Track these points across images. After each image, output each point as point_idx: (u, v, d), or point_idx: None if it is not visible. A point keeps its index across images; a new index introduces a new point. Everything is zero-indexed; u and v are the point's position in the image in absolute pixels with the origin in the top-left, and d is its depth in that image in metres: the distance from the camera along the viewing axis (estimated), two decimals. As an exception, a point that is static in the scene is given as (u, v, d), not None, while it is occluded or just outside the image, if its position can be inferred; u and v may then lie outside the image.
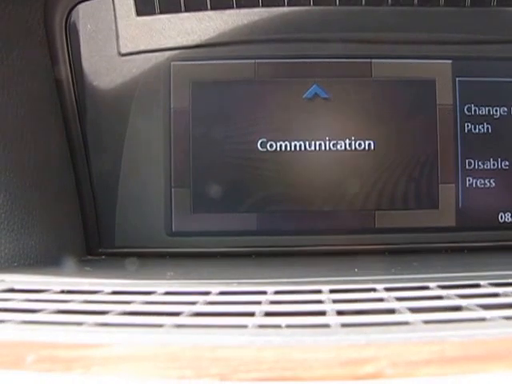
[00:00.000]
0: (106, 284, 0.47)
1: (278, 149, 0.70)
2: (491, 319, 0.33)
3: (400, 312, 0.36)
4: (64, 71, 0.69)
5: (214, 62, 0.71)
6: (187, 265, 0.67)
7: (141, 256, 0.70)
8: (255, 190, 0.70)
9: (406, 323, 0.33)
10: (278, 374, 0.25)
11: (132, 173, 0.70)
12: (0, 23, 0.60)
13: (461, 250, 0.70)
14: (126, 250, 0.71)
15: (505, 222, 0.71)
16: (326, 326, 0.33)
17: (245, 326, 0.33)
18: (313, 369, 0.26)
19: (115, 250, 0.71)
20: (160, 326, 0.33)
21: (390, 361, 0.26)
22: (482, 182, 0.70)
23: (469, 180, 0.70)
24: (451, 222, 0.71)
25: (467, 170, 0.70)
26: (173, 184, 0.70)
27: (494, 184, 0.71)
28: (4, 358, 0.27)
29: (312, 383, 0.25)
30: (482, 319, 0.33)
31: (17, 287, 0.46)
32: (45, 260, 0.62)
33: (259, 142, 0.70)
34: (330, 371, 0.26)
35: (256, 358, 0.27)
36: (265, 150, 0.70)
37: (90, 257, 0.71)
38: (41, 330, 0.31)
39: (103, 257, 0.71)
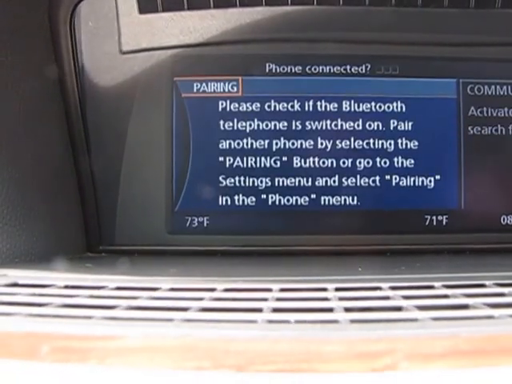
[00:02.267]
0: (109, 280, 0.47)
1: (282, 146, 0.70)
2: (499, 317, 0.33)
3: (407, 309, 0.36)
4: (68, 68, 0.68)
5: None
6: (189, 263, 0.67)
7: (141, 254, 0.70)
8: (258, 188, 0.70)
9: (414, 320, 0.33)
10: (294, 365, 0.26)
11: (133, 170, 0.70)
12: (4, 18, 0.59)
13: (463, 252, 0.70)
14: (126, 247, 0.71)
15: (507, 224, 0.71)
16: (335, 321, 0.33)
17: (254, 321, 0.33)
18: (329, 361, 0.26)
19: (115, 248, 0.71)
20: (169, 320, 0.33)
21: (406, 353, 0.26)
22: (485, 184, 0.71)
23: (471, 182, 0.70)
24: (454, 223, 0.71)
25: (470, 171, 0.70)
26: (174, 181, 0.70)
27: (497, 186, 0.71)
28: (18, 349, 0.27)
29: (328, 375, 0.25)
30: (490, 317, 0.33)
31: (20, 282, 0.46)
32: (45, 256, 0.61)
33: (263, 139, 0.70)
34: (346, 363, 0.26)
35: (272, 351, 0.27)
36: (269, 147, 0.70)
37: (90, 254, 0.71)
38: (52, 322, 0.31)
39: (103, 254, 0.71)
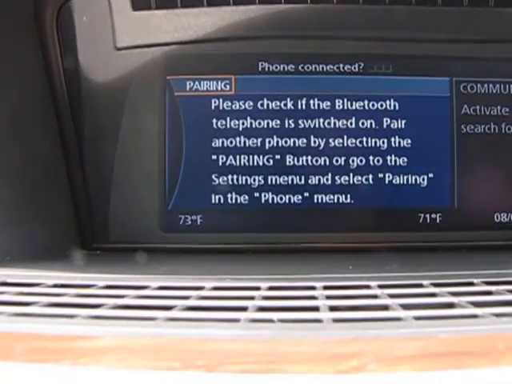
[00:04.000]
0: (99, 278, 0.47)
1: (275, 145, 0.70)
2: (482, 316, 0.33)
3: (393, 308, 0.36)
4: (55, 66, 0.68)
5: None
6: (181, 261, 0.67)
7: (135, 251, 0.70)
8: (251, 186, 0.70)
9: (397, 319, 0.33)
10: (263, 366, 0.26)
11: (126, 168, 0.70)
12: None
13: (456, 249, 0.70)
14: (120, 245, 0.71)
15: (500, 221, 0.71)
16: (319, 321, 0.33)
17: (237, 320, 0.33)
18: (298, 362, 0.26)
19: (109, 245, 0.71)
20: (152, 319, 0.33)
21: (375, 356, 0.26)
22: (478, 182, 0.71)
23: (465, 180, 0.70)
24: (447, 221, 0.71)
25: (463, 169, 0.70)
26: (167, 179, 0.70)
27: (490, 184, 0.71)
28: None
29: (296, 376, 0.25)
30: (474, 316, 0.33)
31: (9, 281, 0.46)
32: (37, 254, 0.61)
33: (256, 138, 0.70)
34: (314, 365, 0.26)
35: (242, 351, 0.27)
36: (262, 146, 0.70)
37: (83, 251, 0.71)
38: (31, 322, 0.32)
39: (97, 252, 0.71)
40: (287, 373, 0.25)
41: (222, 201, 0.70)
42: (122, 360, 0.26)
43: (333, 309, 0.36)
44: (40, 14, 0.67)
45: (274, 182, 0.70)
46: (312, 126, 0.70)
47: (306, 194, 0.70)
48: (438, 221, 0.71)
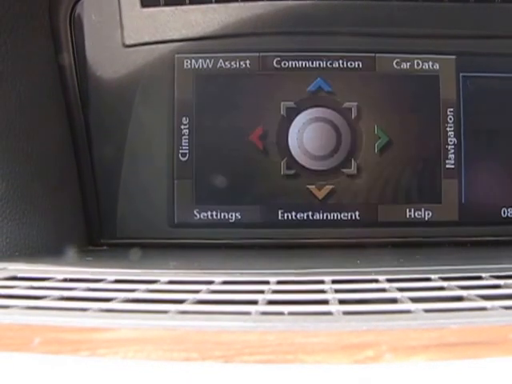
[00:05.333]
0: (108, 273, 0.47)
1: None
2: (491, 309, 0.33)
3: (402, 301, 0.36)
4: (68, 61, 0.69)
5: (218, 54, 0.71)
6: (189, 256, 0.67)
7: (143, 247, 0.70)
8: (258, 181, 0.71)
9: (407, 312, 0.33)
10: (280, 357, 0.26)
11: (134, 163, 0.71)
12: (3, 11, 0.60)
13: (463, 245, 0.70)
14: (127, 240, 0.71)
15: (507, 216, 0.71)
16: (329, 313, 0.33)
17: (248, 313, 0.33)
18: (314, 352, 0.26)
19: (117, 241, 0.71)
20: (164, 312, 0.33)
21: (390, 346, 0.26)
22: (486, 177, 0.71)
23: (472, 175, 0.71)
24: (454, 216, 0.71)
25: (470, 164, 0.70)
26: (175, 175, 0.70)
27: (497, 179, 0.71)
28: (11, 341, 0.28)
29: (313, 366, 0.25)
30: (483, 309, 0.34)
31: (19, 275, 0.46)
32: (46, 249, 0.62)
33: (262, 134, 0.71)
34: (330, 355, 0.26)
35: (259, 342, 0.27)
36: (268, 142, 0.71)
37: (91, 247, 0.71)
38: (47, 315, 0.32)
39: (105, 247, 0.71)
40: (304, 363, 0.25)
41: (231, 196, 0.71)
42: (139, 351, 0.26)
43: (342, 302, 0.36)
44: (54, 9, 0.67)
45: None
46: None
47: None
48: (445, 216, 0.71)
